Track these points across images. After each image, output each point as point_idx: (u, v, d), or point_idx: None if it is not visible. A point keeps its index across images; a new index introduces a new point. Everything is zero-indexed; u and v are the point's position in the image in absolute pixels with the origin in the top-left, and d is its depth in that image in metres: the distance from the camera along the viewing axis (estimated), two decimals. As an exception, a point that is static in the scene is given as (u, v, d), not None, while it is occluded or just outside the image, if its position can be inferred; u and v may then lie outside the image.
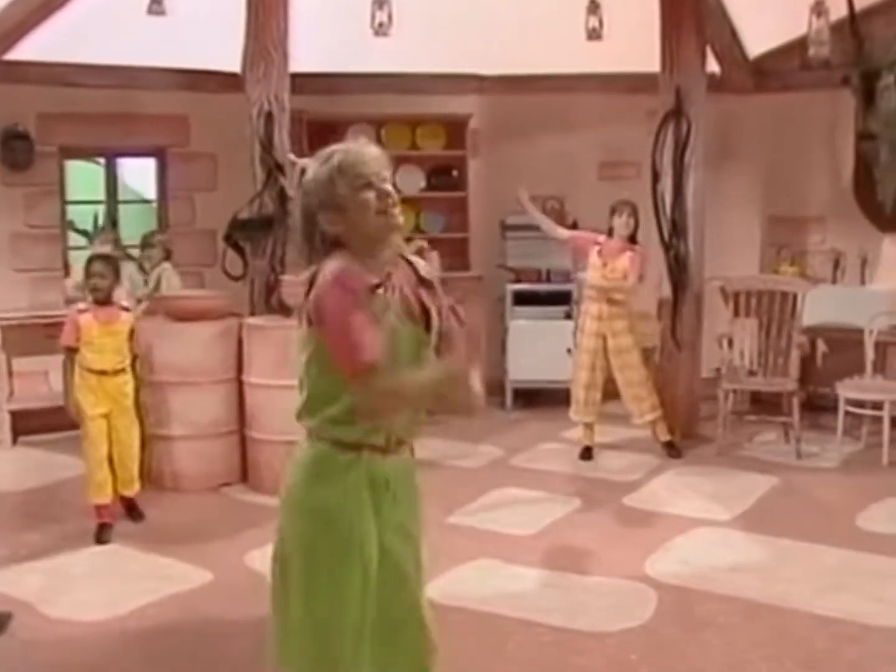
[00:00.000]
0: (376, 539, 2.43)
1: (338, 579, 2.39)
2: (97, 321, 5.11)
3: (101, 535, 5.07)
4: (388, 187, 2.39)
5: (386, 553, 2.45)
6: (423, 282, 2.48)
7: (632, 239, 6.44)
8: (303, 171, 2.44)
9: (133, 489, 5.37)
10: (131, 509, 5.41)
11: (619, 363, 6.45)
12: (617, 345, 6.44)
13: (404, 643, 2.53)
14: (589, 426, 6.58)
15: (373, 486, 2.42)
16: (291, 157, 5.64)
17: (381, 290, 2.35)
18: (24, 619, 4.18)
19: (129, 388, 5.26)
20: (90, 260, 5.34)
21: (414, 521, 2.56)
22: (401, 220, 2.42)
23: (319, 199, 2.37)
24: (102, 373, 5.11)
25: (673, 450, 6.58)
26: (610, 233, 6.49)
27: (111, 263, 5.26)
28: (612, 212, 6.47)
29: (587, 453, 6.58)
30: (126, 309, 5.30)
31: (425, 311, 2.45)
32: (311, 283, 2.35)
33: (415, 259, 2.53)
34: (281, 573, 2.48)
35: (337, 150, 2.40)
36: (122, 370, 5.19)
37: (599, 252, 6.45)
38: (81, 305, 5.20)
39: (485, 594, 4.34)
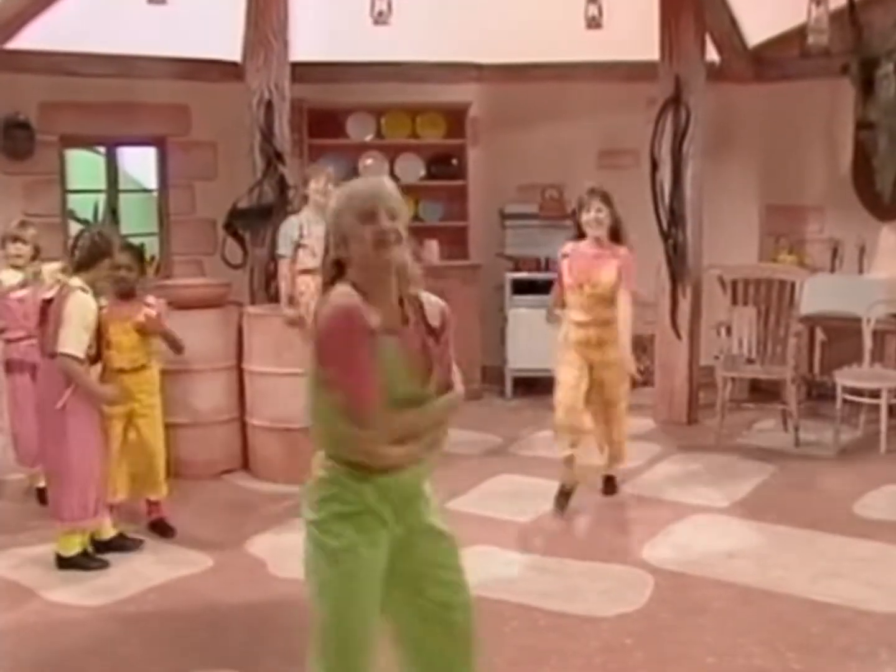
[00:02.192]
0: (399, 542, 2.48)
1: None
2: (114, 316, 4.85)
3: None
4: (388, 224, 2.38)
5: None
6: (431, 331, 2.47)
7: (614, 237, 5.06)
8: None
9: (159, 492, 5.05)
10: (158, 521, 5.06)
11: (605, 398, 5.26)
12: (607, 377, 5.20)
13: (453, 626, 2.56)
14: (570, 460, 5.21)
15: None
16: (329, 169, 6.04)
17: (382, 334, 2.35)
18: (25, 604, 4.23)
19: (151, 386, 5.02)
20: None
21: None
22: (394, 255, 2.39)
23: (330, 224, 2.45)
24: (121, 370, 4.87)
25: (611, 486, 5.58)
26: (580, 235, 5.16)
27: (137, 255, 5.06)
28: (580, 207, 5.08)
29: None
30: (149, 305, 5.02)
31: (429, 366, 2.45)
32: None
33: (426, 299, 2.50)
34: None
35: (355, 180, 2.51)
36: (143, 367, 4.97)
37: (570, 268, 5.10)
38: (101, 300, 4.73)
39: (483, 579, 4.32)
